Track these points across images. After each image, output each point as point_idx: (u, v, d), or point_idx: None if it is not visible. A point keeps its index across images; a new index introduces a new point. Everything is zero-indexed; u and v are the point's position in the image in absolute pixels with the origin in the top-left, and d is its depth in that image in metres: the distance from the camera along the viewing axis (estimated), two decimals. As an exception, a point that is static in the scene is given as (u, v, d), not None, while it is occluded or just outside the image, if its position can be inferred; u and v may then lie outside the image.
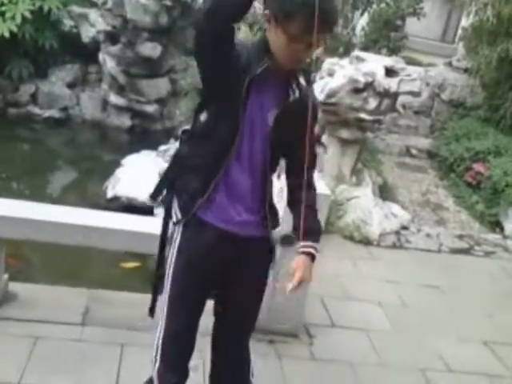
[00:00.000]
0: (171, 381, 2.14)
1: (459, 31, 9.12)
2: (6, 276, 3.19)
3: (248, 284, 2.15)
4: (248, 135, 1.93)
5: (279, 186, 2.31)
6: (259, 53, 1.88)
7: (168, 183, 2.10)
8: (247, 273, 2.12)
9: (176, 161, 2.10)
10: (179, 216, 2.02)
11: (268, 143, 1.95)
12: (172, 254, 2.06)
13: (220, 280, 2.13)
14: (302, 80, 1.95)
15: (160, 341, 2.12)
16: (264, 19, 1.86)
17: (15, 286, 3.27)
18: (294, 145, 1.93)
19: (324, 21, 1.71)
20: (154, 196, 2.13)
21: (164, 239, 2.14)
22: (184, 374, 2.19)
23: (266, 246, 2.13)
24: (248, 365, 2.33)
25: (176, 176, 2.07)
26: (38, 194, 5.55)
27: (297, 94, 1.92)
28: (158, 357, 2.13)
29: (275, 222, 2.17)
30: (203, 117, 1.95)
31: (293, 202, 2.09)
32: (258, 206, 2.05)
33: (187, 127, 2.08)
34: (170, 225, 2.10)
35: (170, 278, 2.07)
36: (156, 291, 2.20)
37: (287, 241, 2.15)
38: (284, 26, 1.77)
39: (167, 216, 2.10)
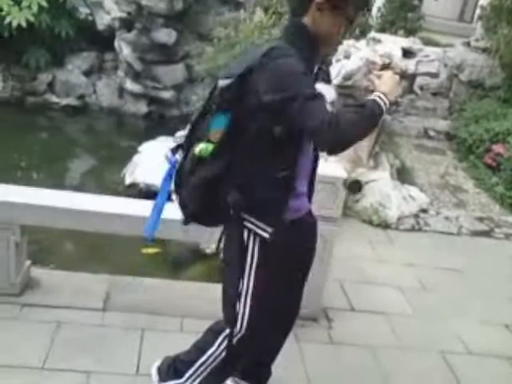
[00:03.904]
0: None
1: (477, 10, 8.94)
2: (28, 262, 3.24)
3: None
4: None
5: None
6: (311, 46, 1.95)
7: (235, 204, 2.00)
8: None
9: (229, 179, 1.97)
10: (269, 230, 2.00)
11: None
12: (255, 260, 2.06)
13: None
14: None
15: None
16: (315, 8, 1.90)
17: (37, 273, 3.32)
18: None
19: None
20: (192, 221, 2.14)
21: (244, 256, 2.07)
22: None
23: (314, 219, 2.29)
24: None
25: (242, 194, 1.98)
26: (57, 182, 5.62)
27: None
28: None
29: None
30: (278, 130, 1.88)
31: None
32: (311, 184, 2.21)
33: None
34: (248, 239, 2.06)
35: (256, 283, 2.08)
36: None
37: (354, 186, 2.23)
38: (343, 8, 1.89)
39: (242, 234, 2.05)
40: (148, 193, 5.06)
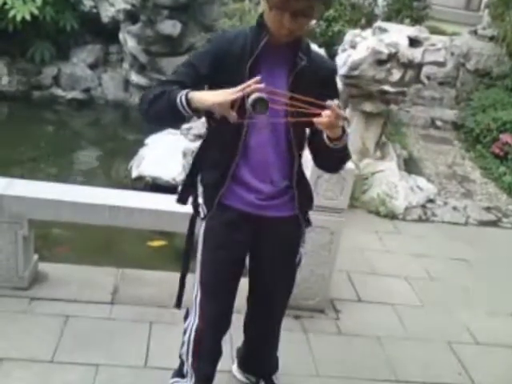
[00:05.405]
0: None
1: (484, -2, 8.88)
2: (36, 256, 3.26)
3: (277, 259, 2.16)
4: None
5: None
6: (258, 32, 1.89)
7: (190, 182, 2.14)
8: (275, 248, 2.13)
9: (195, 158, 2.15)
10: (205, 211, 2.06)
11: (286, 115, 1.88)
12: (199, 240, 2.11)
13: (250, 254, 2.18)
14: (305, 50, 1.94)
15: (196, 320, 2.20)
16: None
17: (45, 267, 3.33)
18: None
19: None
20: (181, 200, 2.17)
21: (192, 235, 2.18)
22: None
23: (293, 223, 2.12)
24: (277, 342, 2.43)
25: (196, 173, 2.12)
26: (64, 175, 5.62)
27: (304, 61, 1.91)
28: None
29: (308, 203, 2.16)
30: None
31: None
32: (287, 185, 2.04)
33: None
34: (198, 220, 2.14)
35: (199, 264, 2.13)
36: (183, 285, 2.26)
37: (260, 105, 1.75)
38: None
39: (195, 213, 2.14)
40: (154, 185, 5.05)
